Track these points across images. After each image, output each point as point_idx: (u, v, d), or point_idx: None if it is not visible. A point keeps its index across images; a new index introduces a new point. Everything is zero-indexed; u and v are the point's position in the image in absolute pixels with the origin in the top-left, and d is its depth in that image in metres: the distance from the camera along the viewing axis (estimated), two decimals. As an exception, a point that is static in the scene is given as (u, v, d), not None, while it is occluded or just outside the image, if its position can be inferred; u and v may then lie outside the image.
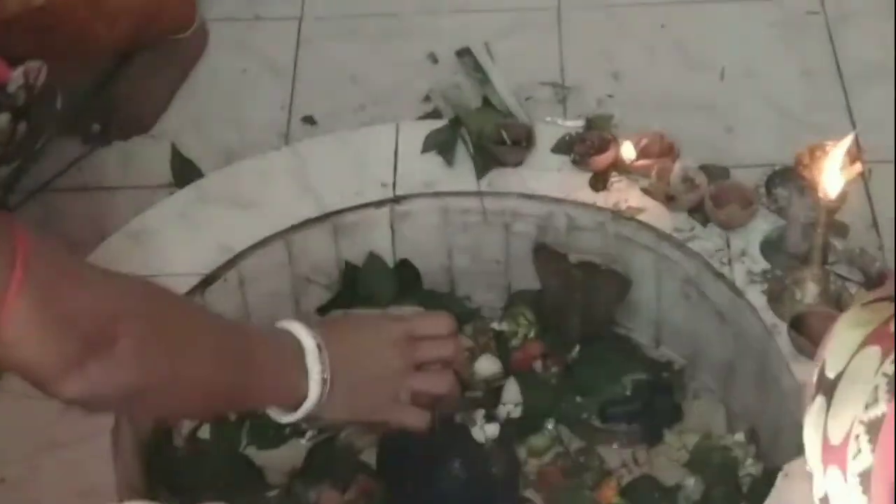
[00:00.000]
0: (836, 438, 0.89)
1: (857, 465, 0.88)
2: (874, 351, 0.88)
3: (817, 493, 0.92)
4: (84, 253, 1.72)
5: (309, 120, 2.33)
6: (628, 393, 1.86)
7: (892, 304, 0.91)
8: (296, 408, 1.42)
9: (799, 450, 1.63)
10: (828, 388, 0.90)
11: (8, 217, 1.12)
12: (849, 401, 0.89)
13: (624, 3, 2.49)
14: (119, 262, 1.57)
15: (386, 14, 2.49)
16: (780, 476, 1.57)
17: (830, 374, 0.91)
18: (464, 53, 2.38)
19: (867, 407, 0.87)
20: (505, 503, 1.76)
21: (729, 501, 1.71)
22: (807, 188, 1.70)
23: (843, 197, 1.70)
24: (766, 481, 1.62)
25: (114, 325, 1.21)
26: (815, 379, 0.92)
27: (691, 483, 1.76)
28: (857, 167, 1.70)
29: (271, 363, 1.41)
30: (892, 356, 0.87)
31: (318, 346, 1.41)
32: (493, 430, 1.75)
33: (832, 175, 1.64)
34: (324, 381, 1.41)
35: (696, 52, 2.40)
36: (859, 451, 0.88)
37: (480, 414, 1.77)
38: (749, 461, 1.78)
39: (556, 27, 2.45)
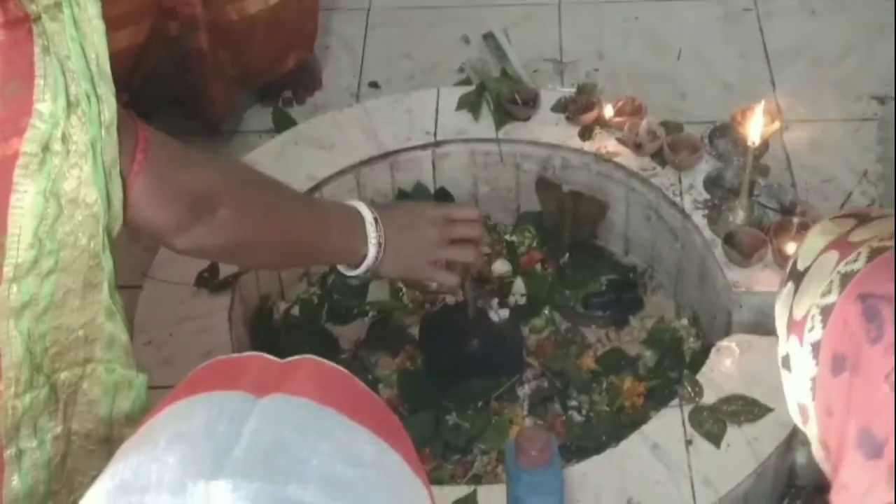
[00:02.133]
0: (798, 316, 0.90)
1: (810, 337, 0.88)
2: (833, 254, 0.88)
3: (781, 353, 0.93)
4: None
5: (373, 84, 2.31)
6: (604, 288, 1.87)
7: (853, 220, 0.91)
8: (358, 265, 1.40)
9: (727, 331, 1.64)
10: (797, 278, 0.91)
11: (132, 114, 1.11)
12: (810, 289, 0.89)
13: (608, 0, 2.46)
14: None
15: (431, 6, 2.47)
16: (713, 350, 1.59)
17: (800, 268, 0.91)
18: (488, 37, 2.36)
19: (822, 295, 0.88)
20: (512, 366, 1.76)
21: (675, 368, 1.71)
22: (739, 139, 1.69)
23: (765, 146, 1.69)
24: (703, 354, 1.65)
25: (215, 197, 1.20)
26: (788, 269, 0.93)
27: (648, 355, 1.78)
28: (777, 124, 1.69)
29: (339, 229, 1.39)
30: (847, 259, 0.88)
31: (375, 219, 1.38)
32: (504, 313, 1.74)
33: (757, 129, 1.64)
34: (379, 244, 1.38)
35: (660, 38, 2.37)
36: (813, 327, 0.88)
37: (495, 301, 1.77)
38: (691, 339, 1.79)
39: (556, 18, 2.42)
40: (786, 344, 0.89)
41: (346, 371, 0.84)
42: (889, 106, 2.17)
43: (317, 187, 1.82)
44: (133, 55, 2.00)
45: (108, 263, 1.07)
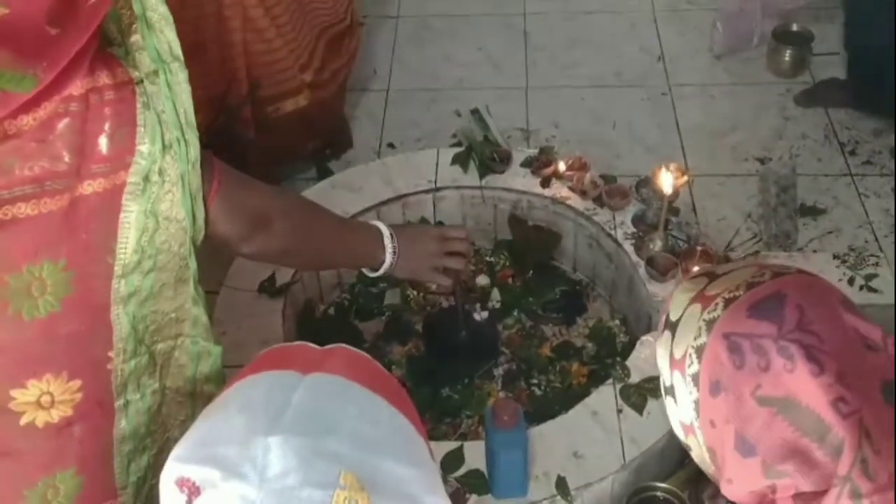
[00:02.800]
0: (678, 356, 0.88)
1: (690, 371, 0.86)
2: (697, 306, 0.87)
3: (664, 384, 0.91)
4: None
5: (391, 145, 2.31)
6: (557, 297, 1.86)
7: (705, 278, 0.90)
8: (378, 269, 1.38)
9: (648, 329, 1.64)
10: (671, 327, 0.89)
11: (210, 154, 1.10)
12: (684, 335, 0.87)
13: (561, 85, 2.46)
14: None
15: (433, 89, 2.47)
16: (638, 343, 1.59)
17: (673, 319, 0.89)
18: (474, 111, 2.36)
19: (695, 338, 0.86)
20: (490, 354, 1.75)
21: (610, 356, 1.71)
22: (657, 189, 1.69)
23: (676, 193, 1.70)
24: (630, 346, 1.65)
25: (270, 215, 1.19)
26: (663, 321, 0.91)
27: (590, 346, 1.77)
28: (685, 178, 1.70)
29: (364, 241, 1.37)
30: (708, 309, 0.86)
31: (391, 234, 1.37)
32: (485, 314, 1.75)
33: (670, 182, 1.64)
34: (394, 253, 1.36)
35: (600, 114, 2.37)
36: (692, 363, 0.86)
37: (478, 305, 1.78)
38: (622, 335, 1.78)
39: (524, 98, 2.43)
40: (670, 378, 0.87)
41: (368, 356, 0.84)
42: (770, 165, 2.18)
43: (348, 220, 1.82)
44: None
45: (193, 264, 1.07)
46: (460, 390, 1.69)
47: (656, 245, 1.69)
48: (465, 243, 1.48)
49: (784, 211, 2.03)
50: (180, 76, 1.00)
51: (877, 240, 2.00)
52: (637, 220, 1.77)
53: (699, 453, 0.89)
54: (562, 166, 1.86)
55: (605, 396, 1.51)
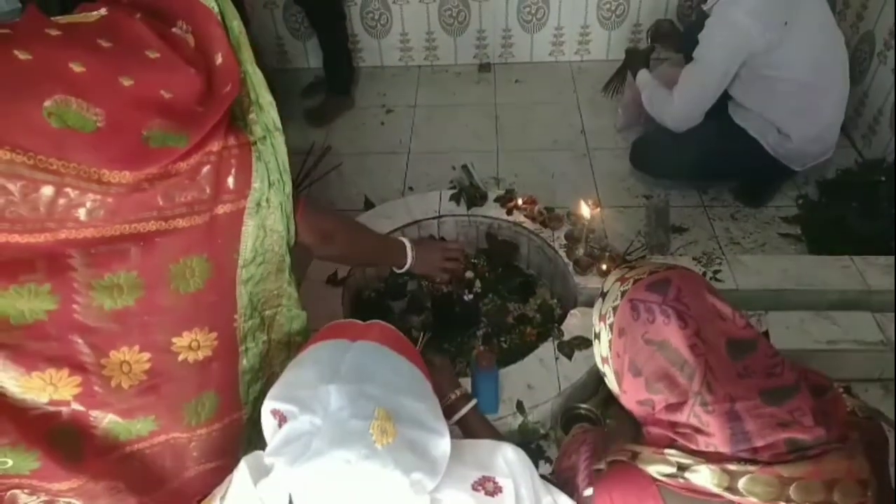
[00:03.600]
0: (604, 312, 0.89)
1: (609, 321, 0.87)
2: (618, 285, 0.89)
3: (594, 332, 0.92)
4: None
5: (411, 188, 2.30)
6: (517, 285, 1.86)
7: (626, 268, 0.92)
8: (402, 268, 1.38)
9: (575, 305, 1.64)
10: (602, 296, 0.91)
11: (297, 191, 1.11)
12: (609, 300, 0.89)
13: (519, 150, 2.46)
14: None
15: (437, 152, 2.47)
16: (568, 315, 1.61)
17: (604, 290, 0.91)
18: (464, 166, 2.34)
19: (613, 302, 0.88)
20: (474, 321, 1.75)
21: (550, 323, 1.71)
22: (580, 215, 1.70)
23: (592, 219, 1.70)
24: (563, 317, 1.64)
25: (333, 231, 1.18)
26: (600, 293, 0.93)
27: (538, 316, 1.77)
28: (598, 209, 1.70)
29: (393, 250, 1.37)
30: (623, 286, 0.88)
31: (411, 246, 1.38)
32: (471, 296, 1.75)
33: (587, 210, 1.64)
34: (413, 258, 1.37)
35: (545, 167, 2.37)
36: (611, 316, 0.87)
37: (466, 290, 1.78)
38: (558, 309, 1.78)
39: (496, 158, 2.43)
40: (598, 327, 0.89)
41: (395, 328, 0.84)
42: (652, 200, 2.18)
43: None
44: None
45: (288, 259, 1.07)
46: (455, 345, 1.70)
47: (580, 251, 1.71)
48: (458, 252, 1.52)
49: (661, 229, 2.04)
50: (280, 140, 1.01)
51: (720, 248, 2.01)
52: (568, 235, 1.78)
53: (610, 377, 0.90)
54: (520, 201, 1.87)
55: (547, 349, 1.52)
